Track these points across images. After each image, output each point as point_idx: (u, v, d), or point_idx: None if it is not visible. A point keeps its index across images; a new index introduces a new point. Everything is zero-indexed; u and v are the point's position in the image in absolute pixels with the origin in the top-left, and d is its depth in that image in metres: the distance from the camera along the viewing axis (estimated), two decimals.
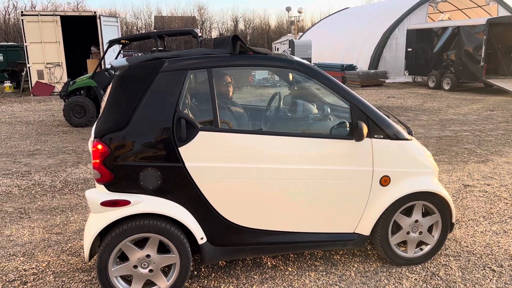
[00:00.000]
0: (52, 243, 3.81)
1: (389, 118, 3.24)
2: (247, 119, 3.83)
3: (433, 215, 3.34)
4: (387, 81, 19.73)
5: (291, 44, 21.75)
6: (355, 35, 23.89)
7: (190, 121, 2.83)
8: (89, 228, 2.82)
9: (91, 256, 2.86)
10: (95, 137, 2.79)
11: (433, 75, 17.15)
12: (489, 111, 11.26)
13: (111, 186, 2.79)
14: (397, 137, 3.14)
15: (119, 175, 2.77)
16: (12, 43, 28.45)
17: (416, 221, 3.31)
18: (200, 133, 2.84)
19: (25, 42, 15.90)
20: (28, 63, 16.08)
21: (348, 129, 3.08)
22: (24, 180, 5.67)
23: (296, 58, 3.18)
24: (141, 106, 2.79)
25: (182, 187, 2.85)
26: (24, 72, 16.97)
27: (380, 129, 3.10)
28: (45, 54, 16.14)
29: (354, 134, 2.99)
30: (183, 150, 2.82)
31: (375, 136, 3.10)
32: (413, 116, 10.64)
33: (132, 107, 2.79)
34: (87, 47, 18.88)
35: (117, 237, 2.75)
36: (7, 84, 18.02)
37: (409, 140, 3.21)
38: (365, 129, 2.94)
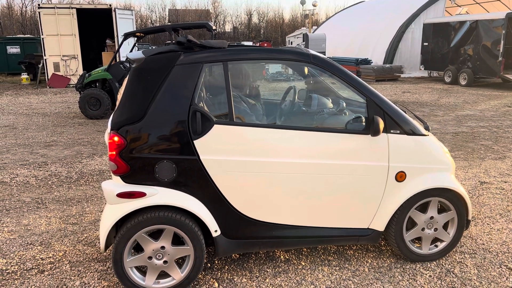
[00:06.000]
0: (68, 233, 3.87)
1: (405, 113, 3.21)
2: (262, 113, 3.83)
3: (449, 212, 3.30)
4: (402, 75, 19.51)
5: (305, 37, 21.62)
6: (370, 29, 23.63)
7: (205, 114, 2.83)
8: (105, 219, 2.86)
9: (106, 246, 2.90)
10: (111, 129, 2.81)
11: (450, 70, 16.90)
12: (506, 107, 11.06)
13: (127, 178, 2.81)
14: (413, 132, 3.11)
15: (135, 167, 2.80)
16: (29, 36, 28.82)
17: (432, 217, 3.27)
18: (215, 126, 2.85)
19: (42, 34, 16.10)
20: (45, 55, 16.28)
21: (364, 124, 3.05)
22: (41, 170, 5.76)
23: (312, 51, 3.16)
24: (157, 99, 2.81)
25: (197, 180, 2.86)
26: (41, 64, 17.20)
27: (397, 124, 3.07)
28: (61, 46, 16.32)
29: (370, 129, 2.97)
30: (198, 143, 2.83)
31: (392, 131, 3.07)
32: (428, 111, 10.51)
33: (148, 99, 2.81)
34: (102, 40, 19.04)
35: (132, 229, 2.78)
36: (24, 76, 18.28)
37: (426, 135, 3.17)
38: (381, 124, 2.91)
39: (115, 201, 2.82)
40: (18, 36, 27.42)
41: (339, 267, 3.29)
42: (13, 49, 22.62)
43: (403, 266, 3.29)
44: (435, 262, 3.34)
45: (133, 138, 2.78)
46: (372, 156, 3.05)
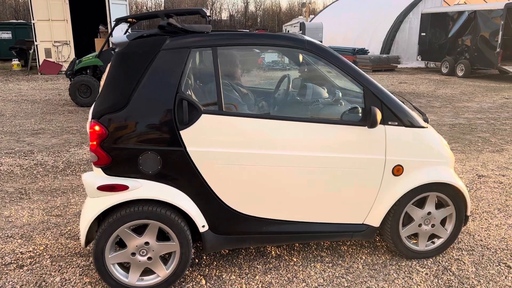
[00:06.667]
0: (51, 226, 3.71)
1: (404, 104, 3.06)
2: (254, 102, 3.67)
3: (447, 207, 3.17)
4: (398, 66, 19.33)
5: (302, 26, 21.37)
6: (368, 18, 23.37)
7: (192, 103, 2.67)
8: (86, 213, 2.70)
9: (88, 241, 2.74)
10: (92, 118, 2.64)
11: (447, 61, 16.73)
12: (504, 99, 10.94)
13: (108, 170, 2.65)
14: (412, 124, 2.96)
15: (117, 159, 2.63)
16: (21, 21, 28.31)
17: (429, 213, 3.14)
18: (203, 116, 2.68)
19: (33, 19, 15.74)
20: (36, 41, 15.94)
21: (360, 114, 2.89)
22: (26, 159, 5.58)
23: (307, 37, 2.99)
24: (141, 85, 2.63)
25: (183, 173, 2.71)
26: (32, 50, 16.85)
27: (395, 116, 2.91)
28: (53, 32, 15.98)
29: (367, 121, 2.81)
30: (185, 134, 2.66)
31: (389, 123, 2.92)
32: (425, 102, 10.37)
33: (132, 86, 2.63)
34: (96, 26, 18.68)
35: (114, 223, 2.63)
36: (15, 62, 17.94)
37: (425, 127, 3.02)
38: (378, 115, 2.76)
39: (96, 194, 2.66)
40: (10, 21, 26.90)
41: (332, 263, 3.16)
42: (5, 35, 22.20)
43: (399, 263, 3.17)
44: (431, 259, 3.22)
45: (115, 128, 2.61)
46: (368, 149, 2.90)
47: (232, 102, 3.24)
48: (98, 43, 16.85)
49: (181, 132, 2.66)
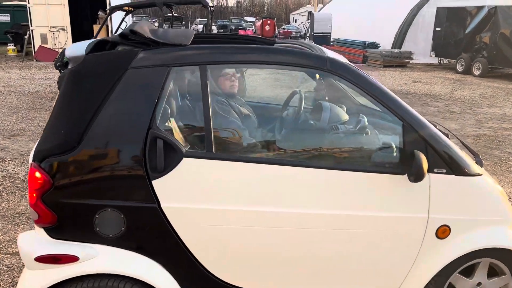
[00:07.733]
0: (2, 270, 3.02)
1: (449, 139, 2.32)
2: (257, 126, 2.94)
3: (503, 276, 2.45)
4: (410, 62, 18.43)
5: (311, 16, 20.53)
6: (380, 10, 22.41)
7: (170, 143, 1.94)
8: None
9: None
10: (33, 160, 1.93)
11: (463, 58, 15.83)
12: None
13: (54, 232, 1.94)
14: (464, 171, 2.22)
15: (65, 217, 1.92)
16: (20, 3, 27.46)
17: (479, 283, 2.43)
18: (185, 160, 1.96)
19: (28, 3, 14.96)
20: (31, 25, 15.17)
21: (396, 155, 2.16)
22: None
23: (329, 53, 2.25)
24: (100, 117, 1.90)
25: (156, 236, 1.99)
26: (27, 35, 16.08)
27: (443, 161, 2.17)
28: (49, 17, 15.19)
29: (409, 170, 2.07)
30: (159, 185, 1.94)
31: (435, 170, 2.18)
32: (443, 106, 9.57)
33: (87, 118, 1.90)
34: (97, 12, 17.87)
35: None
36: (11, 47, 17.19)
37: (479, 175, 2.29)
38: (425, 164, 2.02)
39: (35, 266, 1.95)
40: (8, 3, 26.03)
41: None
42: (2, 17, 21.42)
43: None
44: None
45: (62, 175, 1.89)
46: (406, 205, 2.17)
47: (229, 128, 2.52)
48: (97, 29, 16.07)
49: (153, 182, 1.94)
